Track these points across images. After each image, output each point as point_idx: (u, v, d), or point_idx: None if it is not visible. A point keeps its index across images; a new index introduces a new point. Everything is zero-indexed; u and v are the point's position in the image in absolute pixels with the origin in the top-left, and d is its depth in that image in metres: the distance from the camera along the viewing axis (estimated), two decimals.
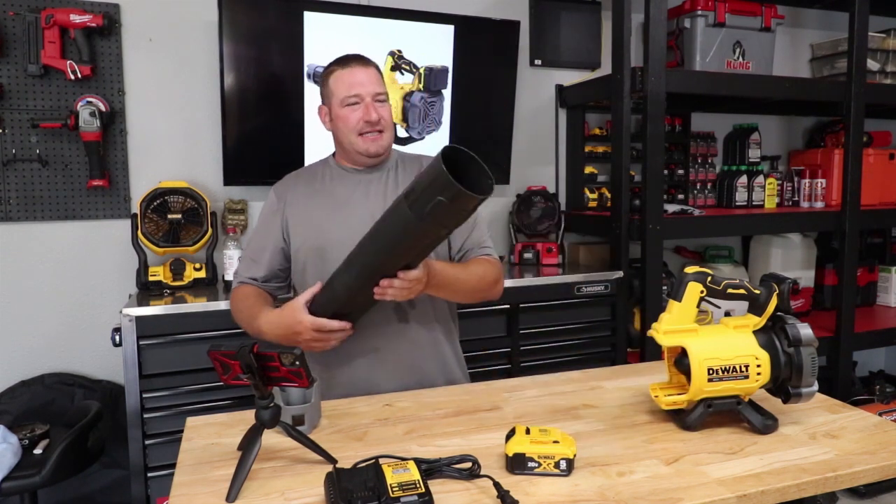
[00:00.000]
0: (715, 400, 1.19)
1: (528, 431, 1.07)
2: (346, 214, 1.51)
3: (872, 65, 2.97)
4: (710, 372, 1.17)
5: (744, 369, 1.17)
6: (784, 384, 1.20)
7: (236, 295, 1.56)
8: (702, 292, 1.21)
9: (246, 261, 1.59)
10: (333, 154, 1.65)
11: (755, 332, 1.22)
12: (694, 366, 1.17)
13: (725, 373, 1.17)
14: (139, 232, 2.21)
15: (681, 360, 1.22)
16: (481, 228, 1.63)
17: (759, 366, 1.18)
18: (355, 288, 1.32)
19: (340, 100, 1.51)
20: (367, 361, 1.49)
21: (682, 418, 1.21)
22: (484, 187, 1.12)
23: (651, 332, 1.23)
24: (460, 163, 1.10)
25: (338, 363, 1.49)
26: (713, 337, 1.21)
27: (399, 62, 2.48)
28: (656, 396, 1.25)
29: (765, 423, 1.19)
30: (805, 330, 1.19)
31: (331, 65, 1.55)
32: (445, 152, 1.08)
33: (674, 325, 1.21)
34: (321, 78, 1.58)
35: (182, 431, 1.25)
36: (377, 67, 1.56)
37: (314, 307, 1.36)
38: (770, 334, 1.21)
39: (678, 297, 1.21)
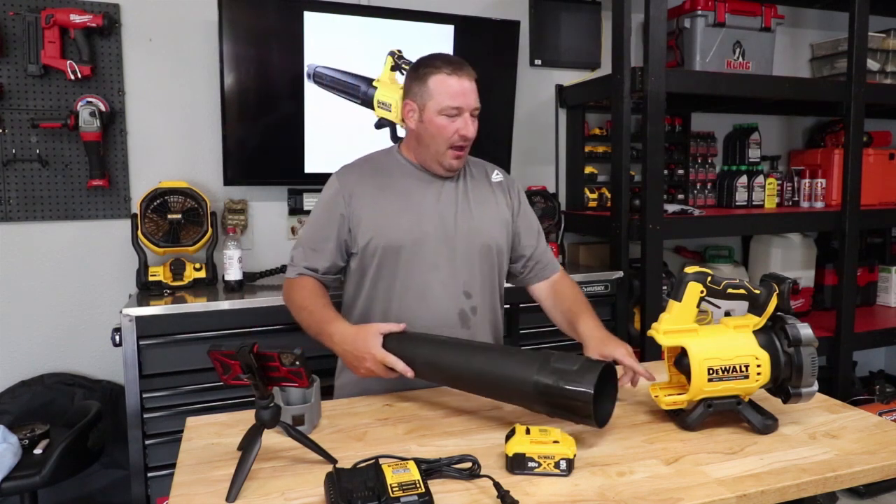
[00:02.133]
0: (715, 400, 1.19)
1: (528, 431, 1.07)
2: (418, 214, 1.50)
3: (872, 65, 2.97)
4: (710, 372, 1.17)
5: (744, 369, 1.17)
6: (784, 384, 1.20)
7: (297, 287, 1.51)
8: (702, 292, 1.21)
9: (305, 250, 1.53)
10: (398, 146, 1.61)
11: (755, 332, 1.22)
12: (694, 366, 1.17)
13: (725, 373, 1.17)
14: (139, 232, 2.21)
15: (680, 361, 1.22)
16: (535, 219, 1.67)
17: (759, 366, 1.18)
18: (439, 369, 1.31)
19: (441, 107, 1.44)
20: None
21: (682, 418, 1.21)
22: (604, 414, 1.15)
23: (651, 333, 1.23)
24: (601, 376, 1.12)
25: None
26: (713, 337, 1.21)
27: (399, 62, 2.48)
28: (656, 396, 1.25)
29: (765, 423, 1.19)
30: (805, 330, 1.19)
31: (433, 63, 1.47)
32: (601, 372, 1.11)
33: (674, 325, 1.21)
34: (415, 71, 1.49)
35: (182, 431, 1.25)
36: (476, 79, 1.49)
37: (387, 343, 1.33)
38: (770, 334, 1.21)
39: (678, 297, 1.21)
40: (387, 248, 1.48)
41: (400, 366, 1.29)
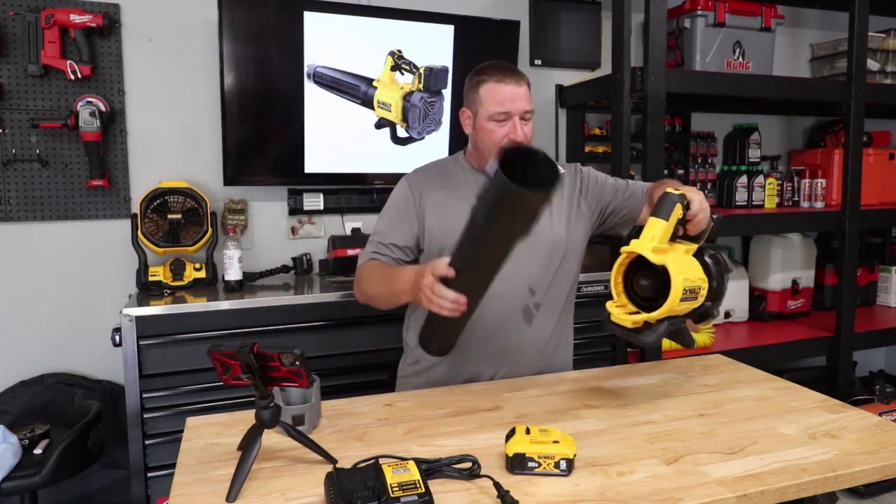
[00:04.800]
0: (673, 318, 1.21)
1: (528, 431, 1.07)
2: None
3: (872, 65, 2.97)
4: (685, 292, 1.19)
5: (697, 290, 1.21)
6: (708, 308, 1.26)
7: (363, 269, 1.58)
8: (679, 215, 1.24)
9: (377, 244, 1.59)
10: (464, 152, 1.67)
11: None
12: (675, 286, 1.18)
13: (691, 294, 1.20)
14: (139, 232, 2.21)
15: (639, 280, 1.24)
16: (619, 182, 1.67)
17: (702, 288, 1.22)
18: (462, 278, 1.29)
19: (489, 114, 1.51)
20: (489, 359, 1.56)
21: (643, 335, 1.22)
22: (546, 181, 1.10)
23: (637, 248, 1.21)
24: (521, 162, 1.09)
25: (462, 359, 1.56)
26: (683, 259, 1.24)
27: (399, 62, 2.48)
28: (612, 316, 1.26)
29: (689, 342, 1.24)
30: (727, 259, 1.26)
31: (484, 72, 1.54)
32: (503, 155, 1.08)
33: (661, 243, 1.22)
34: (469, 80, 1.57)
35: (182, 431, 1.25)
36: (528, 82, 1.55)
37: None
38: (703, 259, 1.26)
39: (666, 217, 1.22)
40: (450, 247, 1.51)
41: (450, 294, 1.25)
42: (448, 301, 1.25)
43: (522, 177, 1.06)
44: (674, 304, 1.18)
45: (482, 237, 1.21)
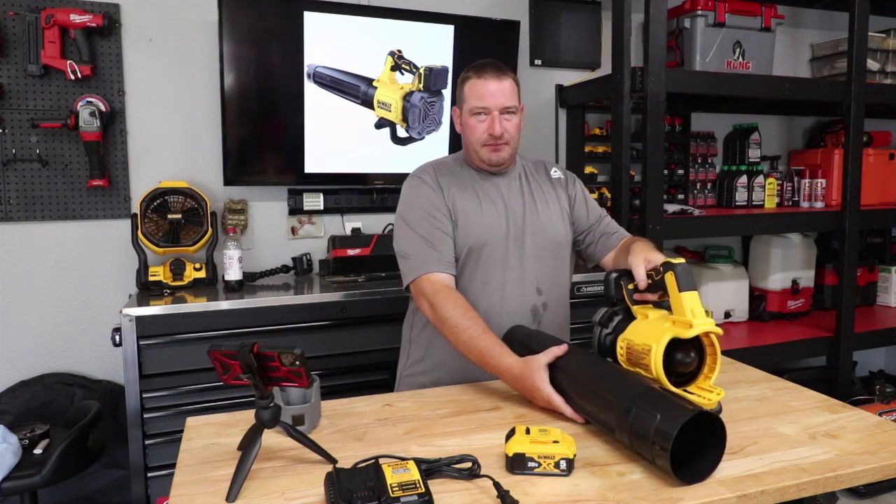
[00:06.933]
0: None
1: (528, 431, 1.07)
2: (495, 214, 1.56)
3: (872, 65, 2.97)
4: None
5: None
6: None
7: (440, 297, 1.44)
8: None
9: (424, 248, 1.49)
10: (463, 151, 1.67)
11: None
12: (718, 346, 1.17)
13: None
14: (139, 232, 2.21)
15: (680, 354, 1.16)
16: (604, 214, 1.69)
17: None
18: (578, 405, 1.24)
19: (470, 109, 1.53)
20: None
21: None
22: (696, 471, 1.00)
23: (705, 327, 1.13)
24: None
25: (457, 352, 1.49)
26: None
27: (399, 62, 2.48)
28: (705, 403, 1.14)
29: None
30: None
31: (468, 70, 1.56)
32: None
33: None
34: (458, 79, 1.60)
35: (182, 431, 1.25)
36: (513, 79, 1.54)
37: (554, 371, 1.27)
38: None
39: (695, 286, 1.17)
40: (472, 247, 1.53)
41: (567, 411, 1.23)
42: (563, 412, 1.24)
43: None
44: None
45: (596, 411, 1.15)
